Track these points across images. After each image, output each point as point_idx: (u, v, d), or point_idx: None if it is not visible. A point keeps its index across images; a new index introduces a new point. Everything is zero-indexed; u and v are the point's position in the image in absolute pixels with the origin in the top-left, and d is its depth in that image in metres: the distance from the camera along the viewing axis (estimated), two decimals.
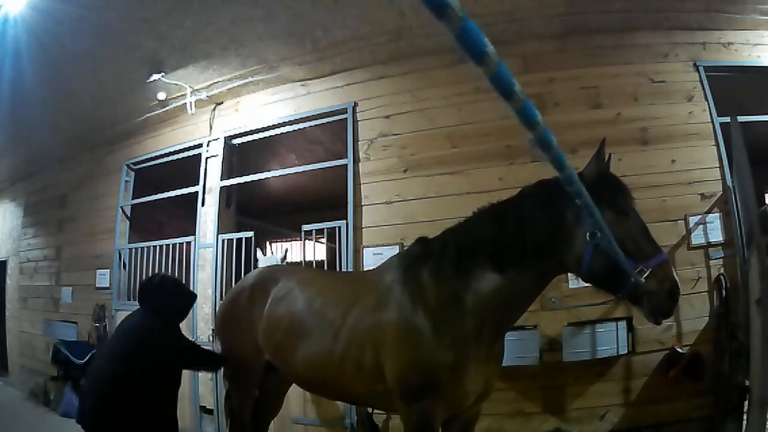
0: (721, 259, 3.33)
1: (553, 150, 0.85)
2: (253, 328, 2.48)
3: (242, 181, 4.70)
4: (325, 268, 6.16)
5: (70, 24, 3.44)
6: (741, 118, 3.22)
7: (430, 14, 0.55)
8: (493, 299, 1.83)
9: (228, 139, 4.74)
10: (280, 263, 4.22)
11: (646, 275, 1.56)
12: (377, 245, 3.77)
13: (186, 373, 4.35)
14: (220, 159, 4.68)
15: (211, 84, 4.56)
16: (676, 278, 1.59)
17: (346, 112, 4.15)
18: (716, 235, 3.35)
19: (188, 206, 4.96)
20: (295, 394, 3.34)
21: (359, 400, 2.59)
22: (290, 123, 4.46)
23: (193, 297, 2.76)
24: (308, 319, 2.23)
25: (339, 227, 3.94)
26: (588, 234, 1.62)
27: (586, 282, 1.75)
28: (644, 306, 1.62)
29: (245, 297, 2.57)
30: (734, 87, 3.80)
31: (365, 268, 3.66)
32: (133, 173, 5.51)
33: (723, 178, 3.44)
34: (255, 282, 2.61)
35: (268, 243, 8.98)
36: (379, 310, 2.00)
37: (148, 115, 5.10)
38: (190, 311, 2.82)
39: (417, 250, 2.09)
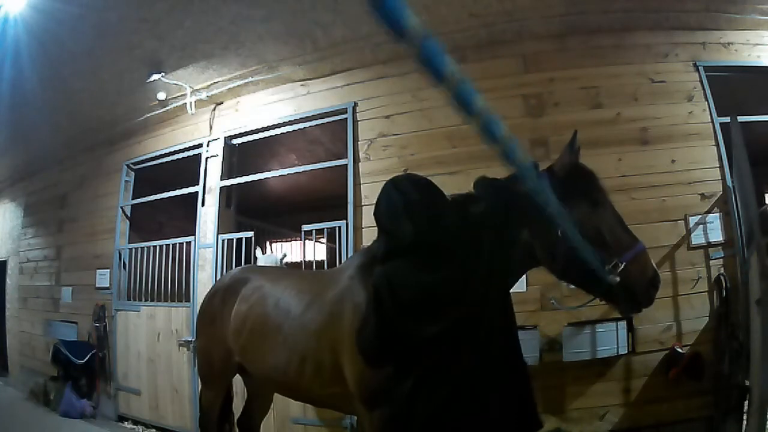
0: (721, 259, 3.32)
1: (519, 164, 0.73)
2: (224, 329, 2.43)
3: (242, 181, 4.70)
4: (325, 268, 6.14)
5: (70, 24, 3.44)
6: (741, 118, 3.21)
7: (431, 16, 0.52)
8: None
9: (228, 139, 4.74)
10: (279, 262, 4.22)
11: (621, 268, 1.49)
12: None
13: (185, 372, 4.40)
14: (220, 159, 4.68)
15: (211, 84, 4.56)
16: (654, 266, 1.55)
17: (346, 112, 4.14)
18: (716, 235, 3.35)
19: (188, 206, 4.96)
20: None
21: (322, 403, 2.44)
22: (290, 123, 4.46)
23: None
24: (269, 320, 2.16)
25: (339, 227, 3.94)
26: (560, 231, 1.54)
27: (561, 279, 1.66)
28: (621, 299, 1.55)
29: (218, 299, 2.53)
30: (734, 87, 3.80)
31: None
32: (133, 173, 5.51)
33: (723, 178, 3.44)
34: (228, 283, 2.57)
35: (268, 243, 8.97)
36: (337, 309, 1.90)
37: (148, 115, 5.09)
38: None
39: (376, 247, 1.93)
